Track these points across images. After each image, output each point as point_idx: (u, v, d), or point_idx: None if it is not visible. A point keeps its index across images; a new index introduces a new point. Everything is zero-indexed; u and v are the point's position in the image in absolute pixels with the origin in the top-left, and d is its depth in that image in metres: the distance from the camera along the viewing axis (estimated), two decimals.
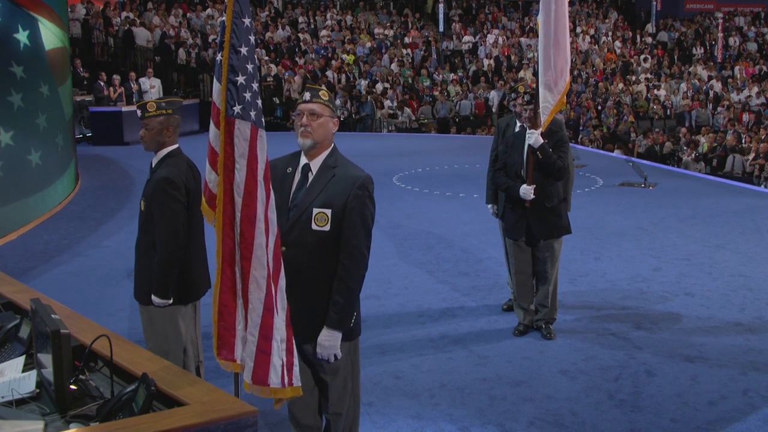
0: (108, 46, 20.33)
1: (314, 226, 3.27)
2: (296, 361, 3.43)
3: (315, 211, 3.27)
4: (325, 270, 3.30)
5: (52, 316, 2.48)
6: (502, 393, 4.58)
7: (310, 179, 3.36)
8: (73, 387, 2.47)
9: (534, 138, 5.20)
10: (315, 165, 3.37)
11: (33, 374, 2.64)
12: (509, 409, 4.36)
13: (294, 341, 3.44)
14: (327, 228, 3.26)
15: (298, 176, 3.39)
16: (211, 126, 3.48)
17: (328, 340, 3.34)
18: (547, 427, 4.16)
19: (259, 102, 3.42)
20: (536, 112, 5.26)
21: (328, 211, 3.27)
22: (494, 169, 5.60)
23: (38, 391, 2.57)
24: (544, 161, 5.20)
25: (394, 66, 23.45)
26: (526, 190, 5.24)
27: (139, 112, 3.88)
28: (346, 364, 3.50)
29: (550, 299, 5.50)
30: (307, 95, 3.34)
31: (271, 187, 3.37)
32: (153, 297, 3.81)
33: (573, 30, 27.57)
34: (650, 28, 28.69)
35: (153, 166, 3.94)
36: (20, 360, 2.79)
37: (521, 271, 5.52)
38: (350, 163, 3.44)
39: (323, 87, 3.57)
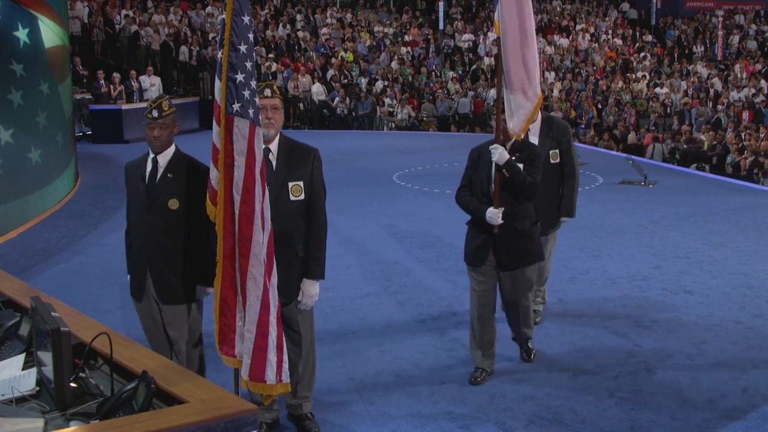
0: (109, 44, 20.27)
1: (292, 197, 3.82)
2: (285, 357, 3.49)
3: (291, 184, 3.82)
4: (302, 233, 3.86)
5: (52, 313, 2.48)
6: (502, 391, 4.58)
7: (274, 160, 3.84)
8: (73, 385, 2.47)
9: (498, 154, 4.49)
10: (273, 147, 3.85)
11: (33, 372, 2.64)
12: (509, 407, 4.36)
13: (283, 337, 3.51)
14: (302, 197, 3.84)
15: None
16: (214, 123, 3.50)
17: (314, 289, 3.89)
18: (546, 425, 4.16)
19: (258, 100, 3.45)
20: (497, 123, 4.65)
21: (301, 183, 3.84)
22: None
23: (38, 389, 2.57)
24: (511, 180, 4.49)
25: (394, 64, 23.46)
26: (493, 214, 4.50)
27: (155, 113, 3.80)
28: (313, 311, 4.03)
29: (525, 315, 4.85)
30: (267, 92, 3.78)
31: (266, 184, 3.43)
32: (206, 288, 3.89)
33: (573, 28, 27.60)
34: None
35: (161, 164, 3.88)
36: (20, 358, 2.79)
37: (483, 303, 4.68)
38: (296, 140, 3.97)
39: (273, 81, 3.98)
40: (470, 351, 4.83)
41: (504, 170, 4.49)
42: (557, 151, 5.51)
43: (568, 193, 5.55)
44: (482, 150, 4.68)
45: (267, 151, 3.81)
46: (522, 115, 4.62)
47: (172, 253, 3.88)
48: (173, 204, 3.84)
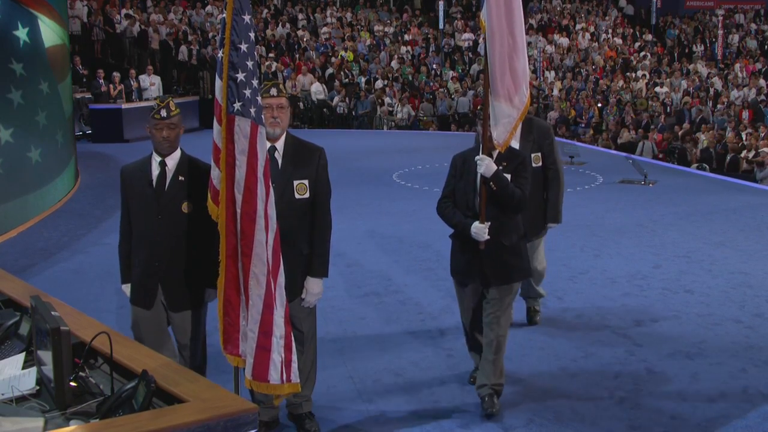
0: (110, 44, 20.26)
1: (297, 195, 3.83)
2: (294, 357, 3.47)
3: (296, 182, 3.83)
4: (307, 231, 3.88)
5: (52, 313, 2.48)
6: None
7: (280, 159, 3.85)
8: (73, 384, 2.47)
9: (485, 166, 4.11)
10: (279, 146, 3.86)
11: (33, 371, 2.64)
12: (509, 407, 4.35)
13: (292, 336, 3.49)
14: (307, 195, 3.86)
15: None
16: (215, 123, 3.50)
17: (318, 287, 3.91)
18: (546, 424, 4.16)
19: (260, 99, 3.45)
20: (484, 131, 4.22)
21: (306, 182, 3.85)
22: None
23: (38, 388, 2.57)
24: (499, 193, 4.14)
25: (393, 63, 23.47)
26: (479, 230, 4.15)
27: (164, 113, 3.69)
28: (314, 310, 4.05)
29: (495, 362, 4.30)
30: (273, 91, 3.80)
31: (270, 183, 3.42)
32: (213, 291, 3.75)
33: (573, 27, 27.59)
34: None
35: (169, 166, 3.76)
36: (20, 357, 2.79)
37: (473, 317, 4.49)
38: (301, 139, 3.98)
39: (278, 80, 4.05)
40: (468, 353, 4.69)
41: (491, 183, 4.12)
42: (539, 154, 5.27)
43: (553, 198, 5.31)
44: (467, 158, 4.33)
45: (273, 149, 3.82)
46: (506, 125, 4.17)
47: (185, 258, 3.77)
48: (186, 207, 3.74)
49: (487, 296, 4.31)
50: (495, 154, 4.23)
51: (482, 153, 4.19)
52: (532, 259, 5.40)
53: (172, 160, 3.79)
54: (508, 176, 4.19)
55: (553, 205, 5.34)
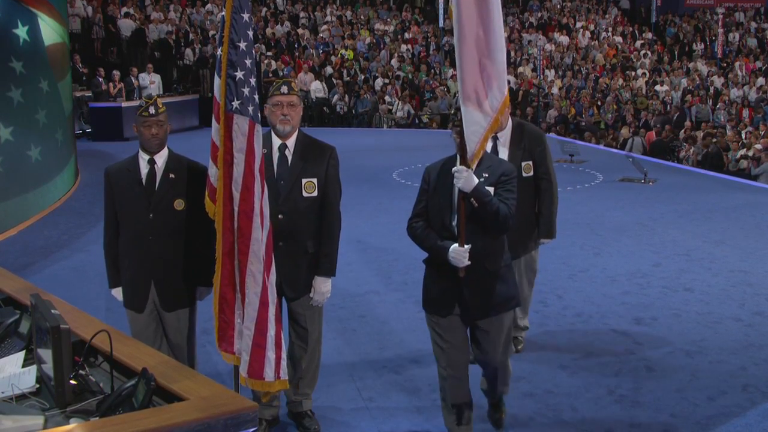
0: (110, 42, 20.24)
1: (305, 194, 3.81)
2: (284, 354, 3.51)
3: (304, 180, 3.81)
4: (314, 229, 3.85)
5: (52, 311, 2.48)
6: None
7: (290, 156, 3.84)
8: (73, 382, 2.47)
9: (463, 179, 3.41)
10: (290, 143, 3.85)
11: (33, 369, 2.64)
12: (509, 405, 4.34)
13: (282, 334, 3.51)
14: (315, 194, 3.83)
15: (276, 154, 3.83)
16: (213, 121, 3.51)
17: (326, 286, 3.91)
18: (546, 422, 4.16)
19: (257, 97, 3.47)
20: (461, 139, 3.52)
21: (315, 180, 3.83)
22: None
23: (38, 386, 2.57)
24: (480, 210, 3.47)
25: (394, 62, 23.46)
26: (458, 254, 3.48)
27: (152, 110, 3.70)
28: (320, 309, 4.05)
29: (503, 373, 3.91)
30: (284, 89, 3.78)
31: (264, 181, 3.44)
32: (205, 289, 3.78)
33: (573, 25, 27.57)
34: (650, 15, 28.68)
35: (159, 164, 3.75)
36: (20, 355, 2.79)
37: (453, 363, 3.69)
38: (314, 138, 3.97)
39: (291, 78, 4.07)
40: (443, 414, 3.92)
41: (471, 199, 3.46)
42: (530, 162, 4.79)
43: (546, 211, 4.85)
44: (441, 170, 3.66)
45: (283, 147, 3.83)
46: (474, 134, 3.48)
47: (177, 256, 3.75)
48: (179, 204, 3.73)
49: (476, 336, 3.72)
50: (474, 164, 3.53)
51: (459, 164, 3.52)
52: (519, 282, 4.75)
53: (161, 158, 3.78)
54: (491, 189, 3.55)
55: (546, 218, 4.87)
